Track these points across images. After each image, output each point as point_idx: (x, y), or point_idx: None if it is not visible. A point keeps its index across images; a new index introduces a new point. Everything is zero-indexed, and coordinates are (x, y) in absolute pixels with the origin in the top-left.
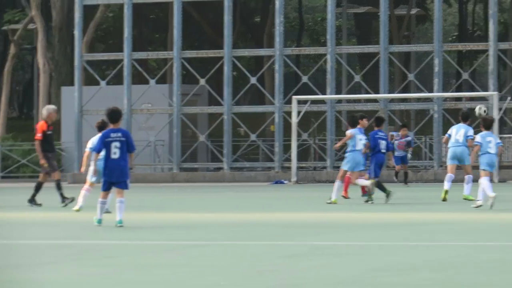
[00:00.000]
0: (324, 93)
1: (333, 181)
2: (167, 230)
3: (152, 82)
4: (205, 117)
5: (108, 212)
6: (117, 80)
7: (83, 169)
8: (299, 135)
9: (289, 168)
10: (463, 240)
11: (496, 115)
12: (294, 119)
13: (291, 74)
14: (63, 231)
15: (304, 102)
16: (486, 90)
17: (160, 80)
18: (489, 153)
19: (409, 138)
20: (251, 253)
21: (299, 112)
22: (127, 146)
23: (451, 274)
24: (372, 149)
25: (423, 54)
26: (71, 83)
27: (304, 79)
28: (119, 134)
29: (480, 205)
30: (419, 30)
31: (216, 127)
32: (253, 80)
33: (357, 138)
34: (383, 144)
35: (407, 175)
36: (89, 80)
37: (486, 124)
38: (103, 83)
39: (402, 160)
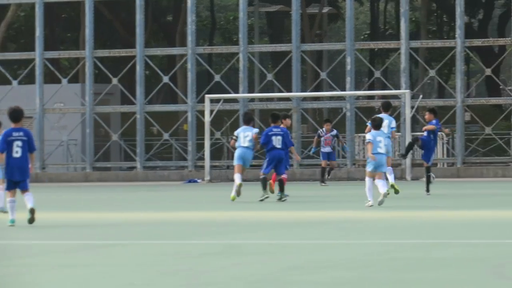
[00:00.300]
0: (236, 91)
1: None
2: (80, 229)
3: (64, 81)
4: (118, 116)
5: (4, 212)
6: (29, 79)
7: None
8: (212, 134)
9: (202, 167)
10: (378, 238)
11: (408, 113)
12: (207, 118)
13: (204, 73)
14: None
15: (217, 101)
16: (398, 88)
17: (73, 80)
18: (379, 153)
19: (334, 132)
20: (165, 252)
21: (212, 111)
22: (28, 146)
23: (365, 272)
24: (265, 146)
25: (335, 53)
26: None
27: (217, 78)
28: (21, 133)
29: (371, 205)
30: (331, 29)
31: (129, 126)
32: (165, 79)
33: (242, 135)
34: (277, 140)
35: (330, 172)
36: (1, 80)
37: (375, 124)
38: (15, 82)
39: (329, 156)
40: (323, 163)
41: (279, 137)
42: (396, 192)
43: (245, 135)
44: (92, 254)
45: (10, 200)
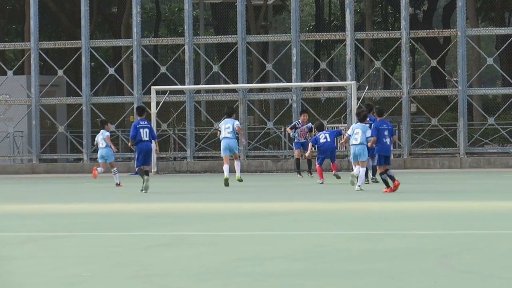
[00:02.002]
0: (182, 83)
1: (193, 172)
2: (27, 221)
3: (9, 73)
4: (64, 108)
5: None
6: None
7: None
8: (158, 125)
9: None
10: (326, 230)
11: (354, 104)
12: (153, 110)
13: (149, 64)
14: None
15: (163, 92)
16: (344, 79)
17: (18, 71)
18: (353, 144)
19: (309, 124)
20: (113, 244)
21: (158, 103)
22: None
23: (313, 263)
24: (134, 139)
25: (280, 44)
26: None
27: (163, 69)
28: None
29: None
30: (276, 20)
31: (75, 118)
32: (111, 70)
33: (223, 127)
34: (145, 132)
35: (310, 163)
36: None
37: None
38: None
39: (303, 147)
40: (297, 153)
41: (147, 130)
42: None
43: (226, 127)
44: (39, 246)
45: None
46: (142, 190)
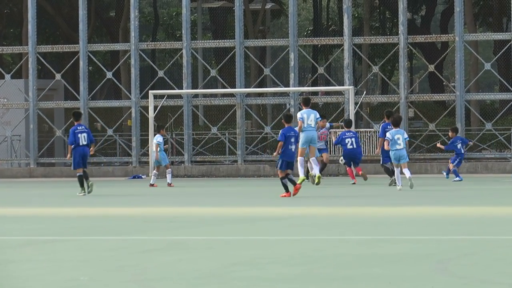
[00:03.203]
0: (180, 87)
1: (191, 176)
2: (24, 225)
3: (7, 77)
4: (61, 112)
5: None
6: None
7: None
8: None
9: (146, 162)
10: (322, 235)
11: (352, 109)
12: (151, 114)
13: (147, 68)
14: None
15: (161, 96)
16: (342, 84)
17: (16, 75)
18: (396, 149)
19: (328, 125)
20: (110, 248)
21: (155, 107)
22: None
23: (310, 268)
24: (73, 144)
25: (278, 49)
26: None
27: (160, 73)
28: None
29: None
30: (274, 25)
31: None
32: (109, 74)
33: None
34: (83, 137)
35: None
36: None
37: (394, 121)
38: None
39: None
40: (325, 157)
41: (84, 134)
42: (317, 183)
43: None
44: (37, 250)
45: None
46: (83, 194)
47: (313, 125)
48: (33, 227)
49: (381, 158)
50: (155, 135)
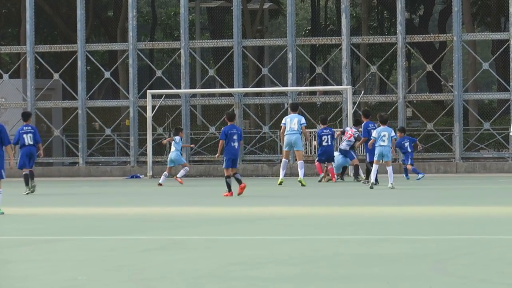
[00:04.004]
0: (178, 87)
1: (189, 176)
2: (22, 225)
3: (5, 76)
4: (60, 111)
5: None
6: None
7: None
8: (154, 129)
9: (144, 162)
10: (321, 234)
11: (350, 108)
12: (149, 114)
13: (145, 68)
14: None
15: (159, 96)
16: (340, 84)
17: (14, 75)
18: (380, 145)
19: (356, 135)
20: (108, 248)
21: (154, 107)
22: (1, 139)
23: (309, 267)
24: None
25: (276, 48)
26: None
27: (158, 73)
28: None
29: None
30: (272, 25)
31: (70, 122)
32: (107, 74)
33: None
34: (29, 137)
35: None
36: None
37: (382, 119)
38: None
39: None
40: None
41: (30, 135)
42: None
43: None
44: (35, 250)
45: None
46: (27, 193)
47: (295, 129)
48: (31, 227)
49: (367, 157)
50: (173, 136)
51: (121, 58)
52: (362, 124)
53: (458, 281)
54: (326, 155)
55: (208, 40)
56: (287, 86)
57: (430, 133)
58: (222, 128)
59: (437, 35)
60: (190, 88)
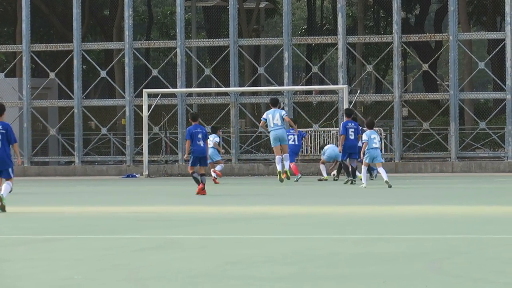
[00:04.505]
0: (174, 86)
1: (185, 175)
2: (17, 224)
3: (1, 75)
4: (55, 110)
5: None
6: None
7: None
8: (150, 128)
9: (140, 161)
10: (317, 233)
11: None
12: (145, 113)
13: (141, 67)
14: None
15: (155, 95)
16: (335, 83)
17: (10, 74)
18: (373, 148)
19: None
20: (104, 247)
21: (149, 106)
22: (8, 138)
23: (304, 267)
24: None
25: (272, 48)
26: None
27: (154, 72)
28: (0, 127)
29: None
30: (268, 24)
31: (66, 121)
32: (103, 73)
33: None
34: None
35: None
36: None
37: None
38: None
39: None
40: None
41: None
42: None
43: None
44: (31, 249)
45: None
46: None
47: (279, 124)
48: (27, 226)
49: (341, 155)
50: (210, 134)
51: (117, 57)
52: (341, 124)
53: (454, 280)
54: (294, 153)
55: (204, 39)
56: (283, 86)
57: (426, 133)
58: (187, 129)
59: (433, 34)
60: (186, 87)
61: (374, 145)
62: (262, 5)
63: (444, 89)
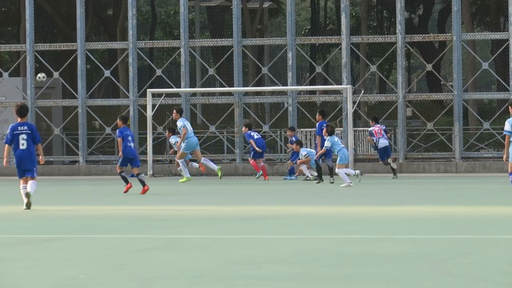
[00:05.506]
0: (178, 86)
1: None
2: (22, 223)
3: (5, 75)
4: (60, 110)
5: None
6: None
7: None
8: (154, 128)
9: (145, 161)
10: (321, 233)
11: (350, 108)
12: (149, 112)
13: (145, 67)
14: None
15: (159, 95)
16: (339, 83)
17: (13, 73)
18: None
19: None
20: (109, 246)
21: (154, 105)
22: (33, 138)
23: (309, 267)
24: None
25: (276, 48)
26: None
27: (158, 72)
28: (25, 127)
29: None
30: (272, 24)
31: (70, 120)
32: (107, 73)
33: None
34: None
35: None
36: None
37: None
38: None
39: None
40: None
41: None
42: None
43: None
44: (34, 248)
45: (22, 186)
46: None
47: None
48: (31, 226)
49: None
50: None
51: (121, 57)
52: (317, 123)
53: (458, 280)
54: (258, 153)
55: (208, 39)
56: (287, 85)
57: (430, 133)
58: (118, 130)
59: (436, 34)
60: (190, 87)
61: (342, 145)
62: (266, 5)
63: (448, 89)
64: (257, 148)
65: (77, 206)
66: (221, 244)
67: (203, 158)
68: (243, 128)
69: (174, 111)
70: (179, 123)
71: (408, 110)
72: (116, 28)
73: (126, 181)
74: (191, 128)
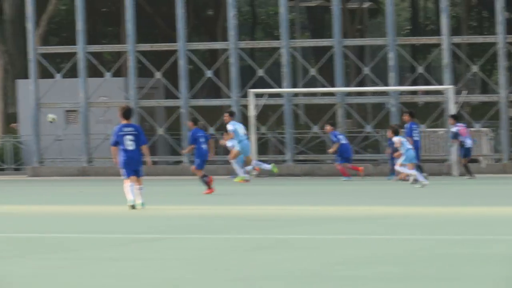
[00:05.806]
0: (279, 86)
1: (293, 175)
2: (129, 223)
3: (108, 75)
4: (162, 110)
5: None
6: (72, 73)
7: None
8: (257, 128)
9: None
10: (422, 234)
11: (452, 108)
12: (252, 113)
13: (246, 67)
14: (29, 224)
15: (259, 95)
16: (441, 83)
17: (116, 73)
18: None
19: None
20: (217, 247)
21: (257, 106)
22: (139, 139)
23: (413, 267)
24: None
25: (377, 48)
26: (25, 76)
27: (260, 72)
28: (131, 129)
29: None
30: (372, 24)
31: (174, 120)
32: (209, 73)
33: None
34: None
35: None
36: (44, 73)
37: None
38: (58, 76)
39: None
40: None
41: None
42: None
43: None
44: (142, 248)
45: (130, 184)
46: None
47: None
48: (139, 225)
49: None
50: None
51: (221, 57)
52: (407, 125)
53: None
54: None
55: (309, 40)
56: (388, 86)
57: None
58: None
59: None
60: (292, 87)
61: (409, 146)
62: (365, 5)
63: None
64: (331, 150)
65: (186, 206)
66: (324, 244)
67: (254, 160)
68: (328, 127)
69: (227, 114)
70: (230, 126)
71: (511, 110)
72: (216, 28)
73: (209, 186)
74: (245, 131)
